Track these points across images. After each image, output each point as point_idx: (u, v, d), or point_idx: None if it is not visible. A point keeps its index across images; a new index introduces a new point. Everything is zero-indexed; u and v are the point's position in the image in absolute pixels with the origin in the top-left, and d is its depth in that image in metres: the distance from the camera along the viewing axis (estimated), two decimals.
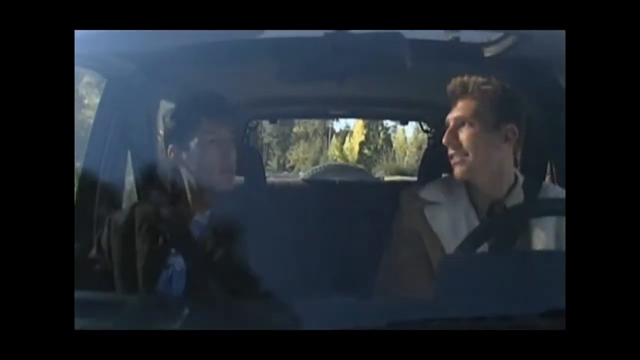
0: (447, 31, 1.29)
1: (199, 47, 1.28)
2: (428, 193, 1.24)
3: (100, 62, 1.48)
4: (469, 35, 1.36)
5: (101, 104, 1.62)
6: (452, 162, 1.20)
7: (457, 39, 1.36)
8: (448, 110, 1.21)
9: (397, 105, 2.51)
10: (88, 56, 1.37)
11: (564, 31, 0.82)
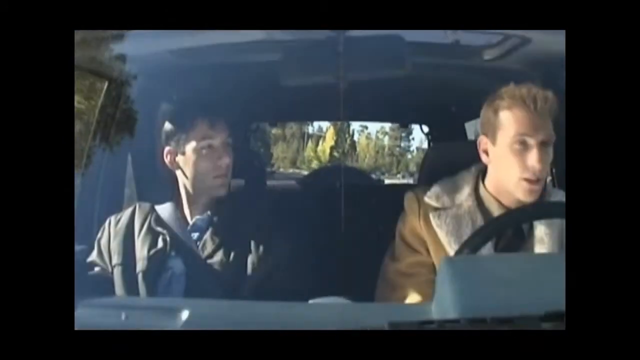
0: (448, 33, 1.29)
1: (200, 48, 1.28)
2: (433, 197, 1.21)
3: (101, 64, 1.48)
4: (469, 38, 1.36)
5: (102, 106, 1.62)
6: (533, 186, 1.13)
7: (458, 41, 1.36)
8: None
9: (397, 108, 2.51)
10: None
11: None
